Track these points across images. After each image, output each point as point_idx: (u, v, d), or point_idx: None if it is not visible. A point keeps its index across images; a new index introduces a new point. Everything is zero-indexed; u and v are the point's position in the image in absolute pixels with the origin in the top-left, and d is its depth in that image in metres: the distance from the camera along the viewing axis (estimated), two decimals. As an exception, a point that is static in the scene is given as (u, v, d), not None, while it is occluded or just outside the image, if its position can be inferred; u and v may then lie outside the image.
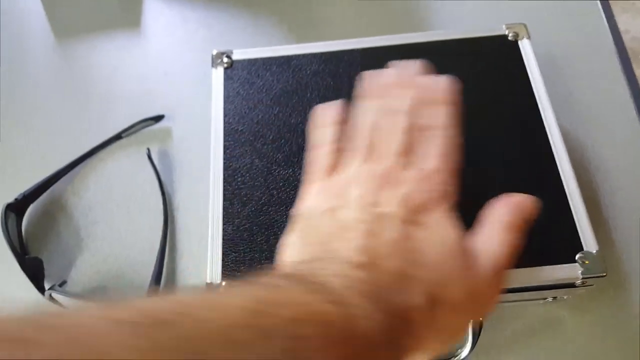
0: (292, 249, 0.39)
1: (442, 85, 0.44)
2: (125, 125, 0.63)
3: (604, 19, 0.65)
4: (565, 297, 0.50)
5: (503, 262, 0.37)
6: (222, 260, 0.45)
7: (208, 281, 0.45)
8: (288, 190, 0.48)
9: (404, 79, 0.46)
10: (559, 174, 0.47)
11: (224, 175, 0.49)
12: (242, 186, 0.49)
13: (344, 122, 0.44)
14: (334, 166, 0.42)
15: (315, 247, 0.37)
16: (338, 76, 0.53)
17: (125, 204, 0.59)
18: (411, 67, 0.46)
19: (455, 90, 0.44)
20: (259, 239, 0.46)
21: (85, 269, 0.56)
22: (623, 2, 1.88)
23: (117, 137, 0.63)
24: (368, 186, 0.39)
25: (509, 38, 0.54)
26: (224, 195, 0.48)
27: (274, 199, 0.48)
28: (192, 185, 0.60)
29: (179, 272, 0.55)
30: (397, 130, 0.42)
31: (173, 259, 0.56)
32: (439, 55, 0.53)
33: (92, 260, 0.57)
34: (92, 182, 0.61)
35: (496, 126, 0.49)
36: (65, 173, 0.61)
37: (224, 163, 0.50)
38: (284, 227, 0.46)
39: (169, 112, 0.64)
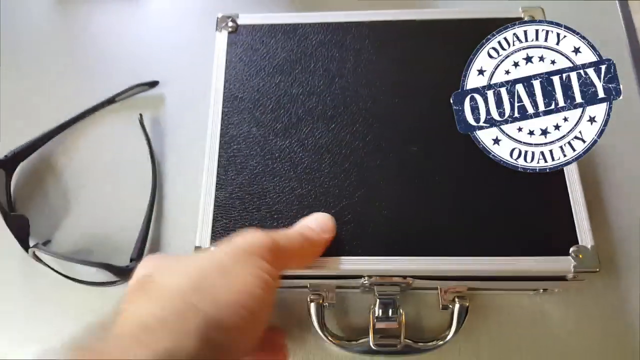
0: None
1: None
2: (120, 89, 0.65)
3: (621, 18, 0.67)
4: (556, 290, 0.52)
5: None
6: (212, 225, 0.48)
7: (197, 244, 0.47)
8: (283, 161, 0.50)
9: None
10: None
11: (220, 142, 0.52)
12: (238, 154, 0.51)
13: None
14: None
15: None
16: (344, 48, 0.56)
17: (114, 169, 0.62)
18: None
19: None
20: (250, 208, 0.49)
21: (70, 231, 0.59)
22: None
23: (111, 100, 0.65)
24: None
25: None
26: (219, 162, 0.51)
27: (268, 169, 0.50)
28: (182, 154, 0.62)
29: (164, 239, 0.58)
30: None
31: (159, 226, 0.58)
32: (450, 35, 0.55)
33: (78, 223, 0.59)
34: (83, 145, 0.64)
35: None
36: (57, 134, 0.63)
37: (221, 130, 0.52)
38: (276, 197, 0.49)
39: (165, 78, 0.67)
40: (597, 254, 0.46)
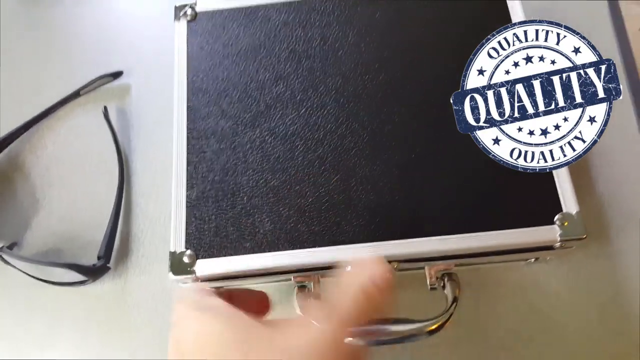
0: None
1: None
2: (85, 80, 0.63)
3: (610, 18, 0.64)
4: (548, 258, 0.51)
5: None
6: (186, 228, 0.46)
7: (171, 250, 0.46)
8: (254, 153, 0.48)
9: None
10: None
11: (187, 137, 0.50)
12: (207, 149, 0.49)
13: None
14: None
15: None
16: (309, 26, 0.53)
17: (81, 165, 0.61)
18: None
19: None
20: (224, 205, 0.47)
21: (40, 230, 0.58)
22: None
23: (75, 94, 0.63)
24: None
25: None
26: (188, 159, 0.49)
27: (240, 163, 0.48)
28: (150, 144, 0.61)
29: (133, 234, 0.57)
30: None
31: (128, 221, 0.57)
32: (418, 7, 0.53)
33: (47, 222, 0.58)
34: (50, 141, 0.62)
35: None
36: (23, 132, 0.62)
37: (188, 125, 0.50)
38: (250, 192, 0.47)
39: (130, 67, 0.65)
40: (582, 220, 0.45)
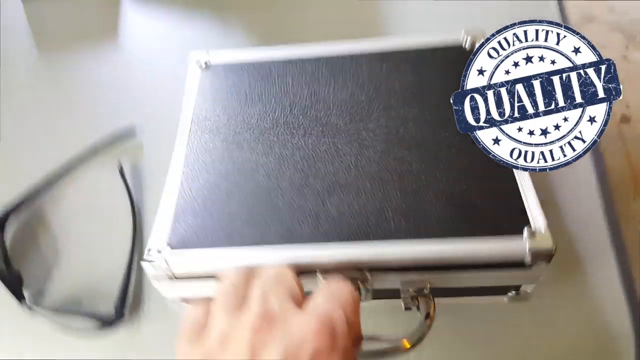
0: None
1: None
2: (100, 135, 0.69)
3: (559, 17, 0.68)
4: (528, 291, 0.51)
5: None
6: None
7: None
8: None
9: None
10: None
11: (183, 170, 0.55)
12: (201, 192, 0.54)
13: None
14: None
15: None
16: (303, 82, 0.60)
17: (98, 218, 0.65)
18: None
19: None
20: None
21: (61, 280, 0.61)
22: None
23: (93, 151, 0.69)
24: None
25: (466, 47, 0.58)
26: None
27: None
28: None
29: (146, 282, 0.60)
30: None
31: (141, 270, 0.58)
32: (396, 67, 0.60)
33: (67, 272, 0.62)
34: (70, 195, 0.67)
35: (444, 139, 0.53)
36: (46, 188, 0.66)
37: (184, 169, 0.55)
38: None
39: (143, 123, 0.70)
40: (550, 233, 0.45)
